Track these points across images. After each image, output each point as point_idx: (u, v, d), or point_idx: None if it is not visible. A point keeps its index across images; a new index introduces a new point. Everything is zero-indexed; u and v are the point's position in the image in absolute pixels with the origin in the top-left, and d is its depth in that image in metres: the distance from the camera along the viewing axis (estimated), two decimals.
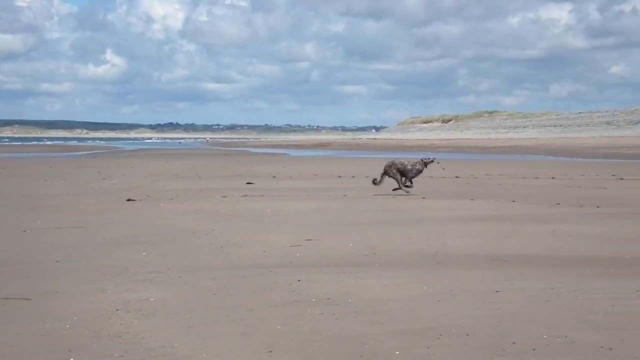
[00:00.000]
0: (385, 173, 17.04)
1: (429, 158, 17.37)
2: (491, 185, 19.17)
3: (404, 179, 16.81)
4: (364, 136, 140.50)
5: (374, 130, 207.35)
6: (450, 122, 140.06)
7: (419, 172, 16.94)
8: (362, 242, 9.41)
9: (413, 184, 16.80)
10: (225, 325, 5.50)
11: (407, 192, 16.55)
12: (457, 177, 22.58)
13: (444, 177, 22.46)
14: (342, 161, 40.10)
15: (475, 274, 7.31)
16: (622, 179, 20.75)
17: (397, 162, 17.11)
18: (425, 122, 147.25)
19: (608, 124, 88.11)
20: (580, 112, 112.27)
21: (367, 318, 5.66)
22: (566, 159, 40.41)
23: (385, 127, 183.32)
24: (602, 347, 4.84)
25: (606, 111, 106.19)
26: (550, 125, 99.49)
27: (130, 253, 8.66)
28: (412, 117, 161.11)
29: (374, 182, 17.14)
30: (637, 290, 6.34)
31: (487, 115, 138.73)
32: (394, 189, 16.66)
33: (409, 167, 16.81)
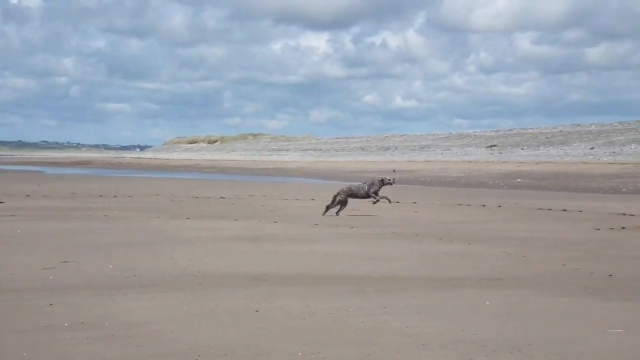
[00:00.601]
0: (333, 198, 17.25)
1: (388, 179, 17.67)
2: (255, 205, 19.56)
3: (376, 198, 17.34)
4: (128, 155, 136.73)
5: (138, 149, 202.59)
6: (216, 143, 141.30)
7: (378, 187, 17.38)
8: (123, 263, 9.12)
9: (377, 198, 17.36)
10: None
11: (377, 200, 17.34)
12: (222, 197, 22.74)
13: (209, 198, 22.51)
14: (104, 180, 38.69)
15: (237, 293, 7.39)
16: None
17: (353, 187, 17.57)
18: (192, 143, 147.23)
19: (362, 149, 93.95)
20: (337, 138, 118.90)
21: (124, 341, 5.48)
22: (325, 181, 42.40)
23: (151, 147, 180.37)
24: None
25: (360, 137, 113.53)
26: (311, 149, 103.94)
27: None
28: (178, 137, 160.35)
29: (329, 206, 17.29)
30: (384, 307, 6.79)
31: (252, 137, 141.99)
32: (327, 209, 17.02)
33: (366, 187, 17.36)
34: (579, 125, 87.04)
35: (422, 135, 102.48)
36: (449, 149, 79.72)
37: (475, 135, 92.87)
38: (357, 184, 18.14)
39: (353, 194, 17.47)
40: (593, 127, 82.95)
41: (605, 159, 52.55)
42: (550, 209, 18.92)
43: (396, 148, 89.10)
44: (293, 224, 14.59)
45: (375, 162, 66.05)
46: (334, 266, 9.29)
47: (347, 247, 11.09)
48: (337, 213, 17.06)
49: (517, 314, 6.54)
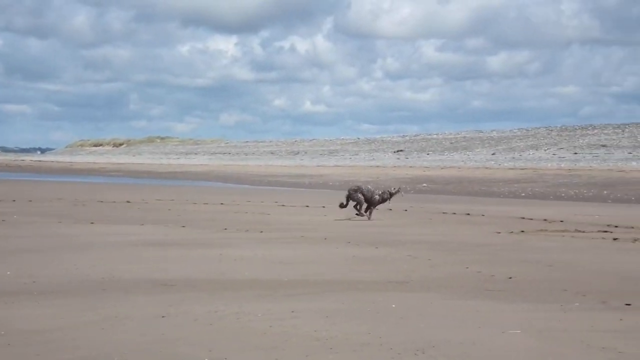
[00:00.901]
0: (350, 197, 17.20)
1: (394, 188, 17.66)
2: (162, 210, 19.24)
3: (365, 205, 17.20)
4: (28, 158, 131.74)
5: (39, 152, 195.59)
6: (122, 146, 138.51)
7: (384, 200, 17.23)
8: (21, 270, 8.78)
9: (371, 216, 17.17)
10: None
11: (367, 219, 16.94)
12: (128, 201, 22.25)
13: (114, 202, 21.99)
14: (2, 183, 37.18)
15: (143, 299, 7.25)
16: (283, 205, 22.22)
17: (363, 187, 17.35)
18: (96, 146, 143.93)
19: (272, 153, 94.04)
20: (247, 141, 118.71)
21: (20, 350, 5.27)
22: (235, 185, 42.16)
23: (53, 149, 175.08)
24: None
25: (270, 141, 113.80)
26: (220, 153, 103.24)
27: None
28: (81, 140, 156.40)
29: (341, 205, 17.30)
30: (293, 311, 6.80)
31: (159, 140, 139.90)
32: (356, 214, 17.00)
33: (376, 195, 17.15)
34: (481, 132, 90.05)
35: (331, 140, 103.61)
36: (357, 154, 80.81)
37: (382, 140, 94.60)
38: (368, 186, 17.87)
39: (362, 194, 17.40)
40: (494, 133, 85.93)
41: (505, 164, 54.48)
42: (454, 213, 19.44)
43: (306, 152, 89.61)
44: (202, 229, 14.43)
45: (286, 166, 66.16)
46: (243, 271, 9.24)
47: (257, 252, 11.05)
48: (359, 211, 17.23)
49: (422, 317, 6.67)
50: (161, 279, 8.43)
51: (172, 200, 23.57)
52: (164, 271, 9.05)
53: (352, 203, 17.44)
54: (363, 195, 17.31)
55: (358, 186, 17.70)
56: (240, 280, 8.53)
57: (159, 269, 9.20)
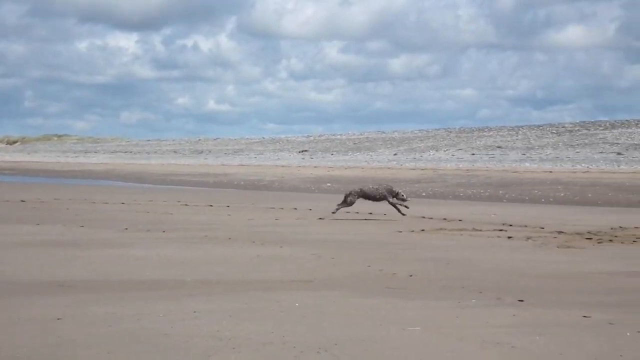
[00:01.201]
0: (349, 195, 17.63)
1: (402, 194, 18.01)
2: (59, 209, 18.62)
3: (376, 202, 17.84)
4: None
5: None
6: (16, 144, 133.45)
7: (386, 195, 17.68)
8: None
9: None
10: None
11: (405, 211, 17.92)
12: (22, 200, 21.41)
13: (7, 201, 21.11)
14: None
15: (37, 301, 6.99)
16: (187, 204, 21.93)
17: (365, 189, 17.65)
18: None
19: (175, 152, 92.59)
20: (149, 140, 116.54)
21: None
22: (136, 184, 41.25)
23: None
24: None
25: (173, 140, 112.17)
26: (121, 151, 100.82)
27: None
28: None
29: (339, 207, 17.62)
30: (195, 312, 6.72)
31: (56, 138, 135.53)
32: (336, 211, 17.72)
33: (380, 190, 17.64)
34: (383, 132, 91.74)
35: (235, 140, 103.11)
36: (262, 154, 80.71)
37: (287, 140, 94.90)
38: (369, 185, 18.31)
39: (365, 195, 17.77)
40: (396, 134, 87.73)
41: (407, 164, 55.69)
42: (357, 212, 19.70)
43: (210, 151, 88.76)
44: (101, 228, 14.05)
45: (189, 165, 65.33)
46: (144, 271, 9.06)
47: (159, 252, 10.86)
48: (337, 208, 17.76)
49: (325, 315, 6.73)
50: (58, 280, 8.16)
51: (70, 199, 22.85)
52: (60, 272, 8.77)
53: (364, 204, 17.96)
54: (366, 195, 17.81)
55: (360, 188, 18.13)
56: (141, 281, 8.36)
57: (56, 270, 8.91)
